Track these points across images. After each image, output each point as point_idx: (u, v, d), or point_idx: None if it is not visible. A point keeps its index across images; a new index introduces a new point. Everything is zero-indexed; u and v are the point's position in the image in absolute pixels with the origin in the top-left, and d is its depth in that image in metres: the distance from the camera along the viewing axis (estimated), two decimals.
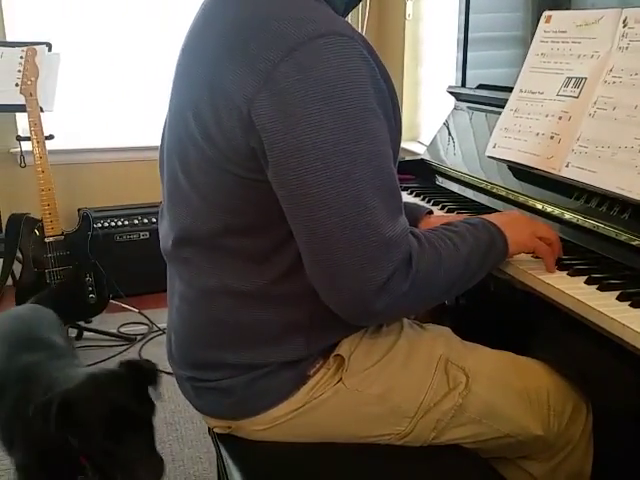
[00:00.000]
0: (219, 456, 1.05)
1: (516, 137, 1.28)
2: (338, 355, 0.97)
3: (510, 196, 1.28)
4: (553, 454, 1.03)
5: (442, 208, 1.39)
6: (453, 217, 1.23)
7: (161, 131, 1.04)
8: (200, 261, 0.95)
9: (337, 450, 0.98)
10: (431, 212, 1.20)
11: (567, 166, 1.13)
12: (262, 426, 0.98)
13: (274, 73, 0.77)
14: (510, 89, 1.35)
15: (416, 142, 3.02)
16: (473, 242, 0.91)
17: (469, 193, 1.45)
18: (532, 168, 1.21)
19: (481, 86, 1.57)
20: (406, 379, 0.98)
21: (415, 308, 0.98)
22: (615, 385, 0.93)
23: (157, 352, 2.37)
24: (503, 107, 1.35)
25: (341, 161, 0.78)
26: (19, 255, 2.42)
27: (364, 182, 0.79)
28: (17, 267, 2.48)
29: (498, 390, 1.00)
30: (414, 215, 1.15)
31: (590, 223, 1.08)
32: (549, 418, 1.00)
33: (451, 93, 1.68)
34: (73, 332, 2.56)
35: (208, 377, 0.99)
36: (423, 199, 1.48)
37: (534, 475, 1.04)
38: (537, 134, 1.23)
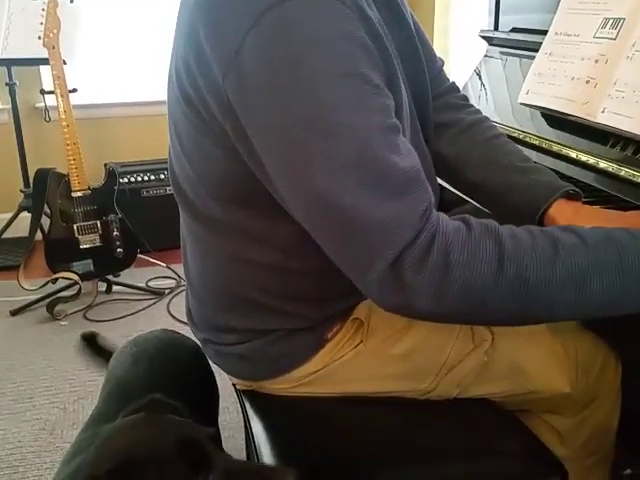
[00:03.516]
0: (243, 410, 1.05)
1: (550, 82, 1.22)
2: (357, 318, 0.94)
3: (543, 145, 1.23)
4: (579, 409, 1.00)
5: None
6: (603, 212, 0.90)
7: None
8: (199, 229, 0.92)
9: (359, 401, 0.97)
10: (577, 195, 0.90)
11: (603, 112, 1.07)
12: (283, 385, 0.97)
13: (242, 45, 0.68)
14: (545, 32, 1.28)
15: None
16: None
17: None
18: (566, 114, 1.16)
19: (515, 30, 1.50)
20: (429, 338, 0.94)
21: (462, 308, 0.71)
22: None
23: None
24: (537, 51, 1.29)
25: (313, 139, 0.68)
26: (47, 210, 2.45)
27: (338, 160, 0.68)
28: (45, 222, 2.50)
29: (524, 347, 0.97)
30: (536, 203, 0.90)
31: (626, 172, 1.02)
32: (577, 375, 0.97)
33: (483, 37, 1.61)
34: (102, 286, 2.61)
35: (222, 340, 0.98)
36: None
37: (559, 429, 1.02)
38: (572, 79, 1.17)
